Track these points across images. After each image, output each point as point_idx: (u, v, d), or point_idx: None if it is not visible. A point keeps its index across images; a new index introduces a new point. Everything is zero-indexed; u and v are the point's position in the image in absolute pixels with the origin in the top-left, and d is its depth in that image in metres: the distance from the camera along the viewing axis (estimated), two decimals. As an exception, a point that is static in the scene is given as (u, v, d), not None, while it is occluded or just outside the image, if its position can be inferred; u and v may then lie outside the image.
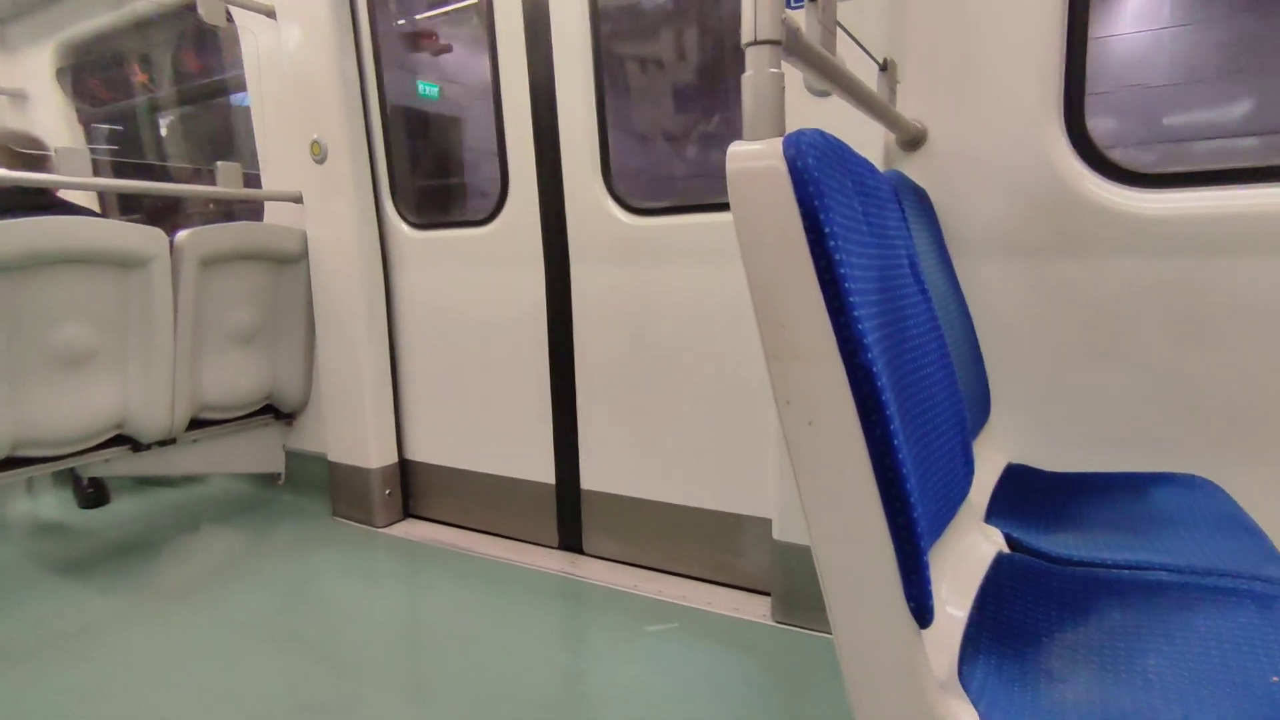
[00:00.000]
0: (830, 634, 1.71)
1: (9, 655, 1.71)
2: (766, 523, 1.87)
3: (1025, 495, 1.35)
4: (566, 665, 1.60)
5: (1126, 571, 1.04)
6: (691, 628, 1.75)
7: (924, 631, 0.67)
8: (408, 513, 2.62)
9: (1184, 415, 1.43)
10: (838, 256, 0.67)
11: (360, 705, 1.48)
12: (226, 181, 2.42)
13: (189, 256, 2.24)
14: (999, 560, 1.06)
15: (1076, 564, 1.07)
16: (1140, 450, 1.46)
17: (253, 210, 2.75)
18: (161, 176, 3.60)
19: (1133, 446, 1.47)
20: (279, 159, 2.59)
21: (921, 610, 0.66)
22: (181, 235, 2.21)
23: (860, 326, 0.66)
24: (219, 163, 2.40)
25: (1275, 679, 0.76)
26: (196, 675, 1.60)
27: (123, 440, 2.36)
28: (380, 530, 2.49)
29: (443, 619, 1.85)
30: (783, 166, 0.68)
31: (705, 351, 1.93)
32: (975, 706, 0.70)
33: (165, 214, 3.49)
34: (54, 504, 2.88)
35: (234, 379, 2.56)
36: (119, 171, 3.58)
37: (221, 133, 3.28)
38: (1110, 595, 0.99)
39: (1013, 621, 0.93)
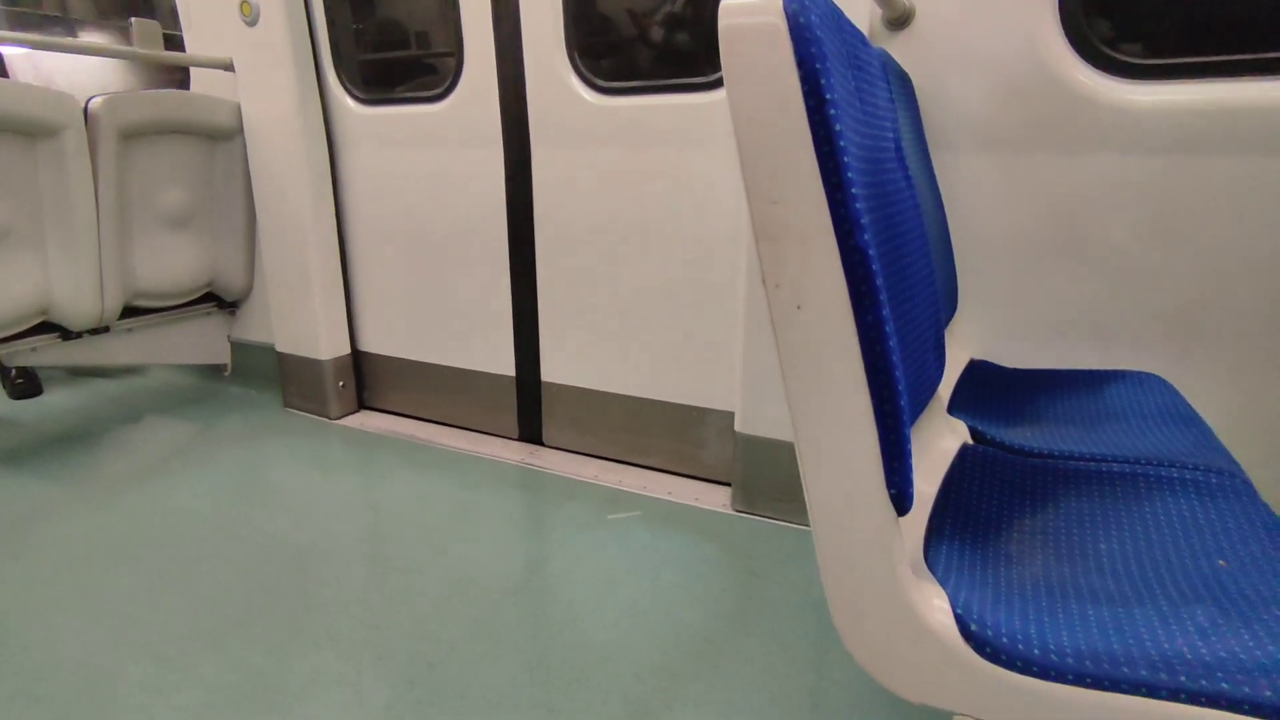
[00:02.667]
0: (788, 521, 1.76)
1: (-54, 545, 1.66)
2: (729, 415, 1.88)
3: (988, 390, 1.37)
4: (530, 552, 1.63)
5: (1081, 463, 1.07)
6: (653, 516, 1.79)
7: (902, 517, 0.67)
8: (362, 405, 2.57)
9: (1144, 314, 1.45)
10: (837, 127, 0.62)
11: (320, 591, 1.48)
12: (144, 42, 2.18)
13: (106, 126, 2.03)
14: (963, 451, 1.08)
15: (1035, 455, 1.10)
16: (1099, 347, 1.49)
17: (179, 81, 2.50)
18: (67, 28, 3.23)
19: (1092, 344, 1.50)
20: (204, 19, 2.34)
21: (901, 497, 0.65)
22: (96, 102, 2.00)
23: (857, 205, 0.62)
24: (133, 19, 2.15)
25: (1222, 563, 0.80)
26: (146, 563, 1.57)
27: (50, 328, 2.22)
28: (334, 422, 2.45)
29: (402, 507, 1.84)
30: (782, 23, 0.61)
31: (672, 242, 1.88)
32: (943, 586, 0.71)
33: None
34: (-19, 394, 2.74)
35: (169, 264, 2.41)
36: (18, 26, 3.20)
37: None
38: (1066, 485, 1.02)
39: (975, 509, 0.96)
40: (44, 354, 2.33)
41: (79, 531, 1.71)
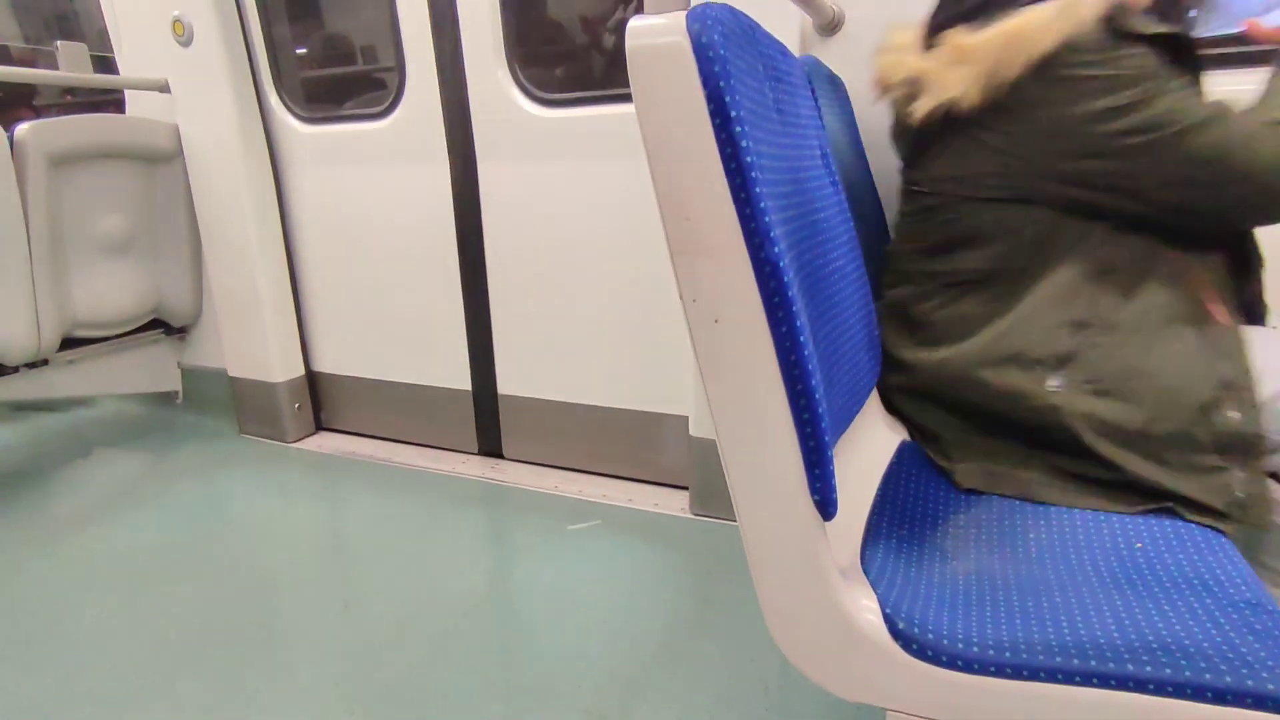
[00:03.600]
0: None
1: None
2: (684, 419, 1.89)
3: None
4: (491, 568, 1.62)
5: (1016, 455, 1.09)
6: (613, 524, 1.79)
7: (828, 522, 0.68)
8: (320, 426, 2.54)
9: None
10: (744, 144, 0.63)
11: (280, 623, 1.45)
12: (71, 66, 2.13)
13: (34, 153, 1.98)
14: (901, 448, 1.10)
15: (972, 450, 1.12)
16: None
17: (115, 104, 2.45)
18: None
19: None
20: (135, 41, 2.29)
21: (825, 504, 0.67)
22: (22, 129, 1.95)
23: (767, 219, 0.63)
24: (59, 43, 2.10)
25: (1139, 545, 0.83)
26: (90, 607, 1.53)
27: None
28: (292, 445, 2.41)
29: (362, 531, 1.82)
30: (686, 43, 0.62)
31: (619, 249, 1.89)
32: (874, 589, 0.73)
33: (7, 106, 3.07)
34: (-81, 434, 2.64)
35: (110, 292, 2.34)
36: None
37: (61, 8, 2.86)
38: (1001, 476, 1.05)
39: (912, 507, 0.98)
40: (-19, 391, 2.26)
41: (18, 575, 1.66)
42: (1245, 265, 1.00)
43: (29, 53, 3.05)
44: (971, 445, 1.03)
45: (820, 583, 0.68)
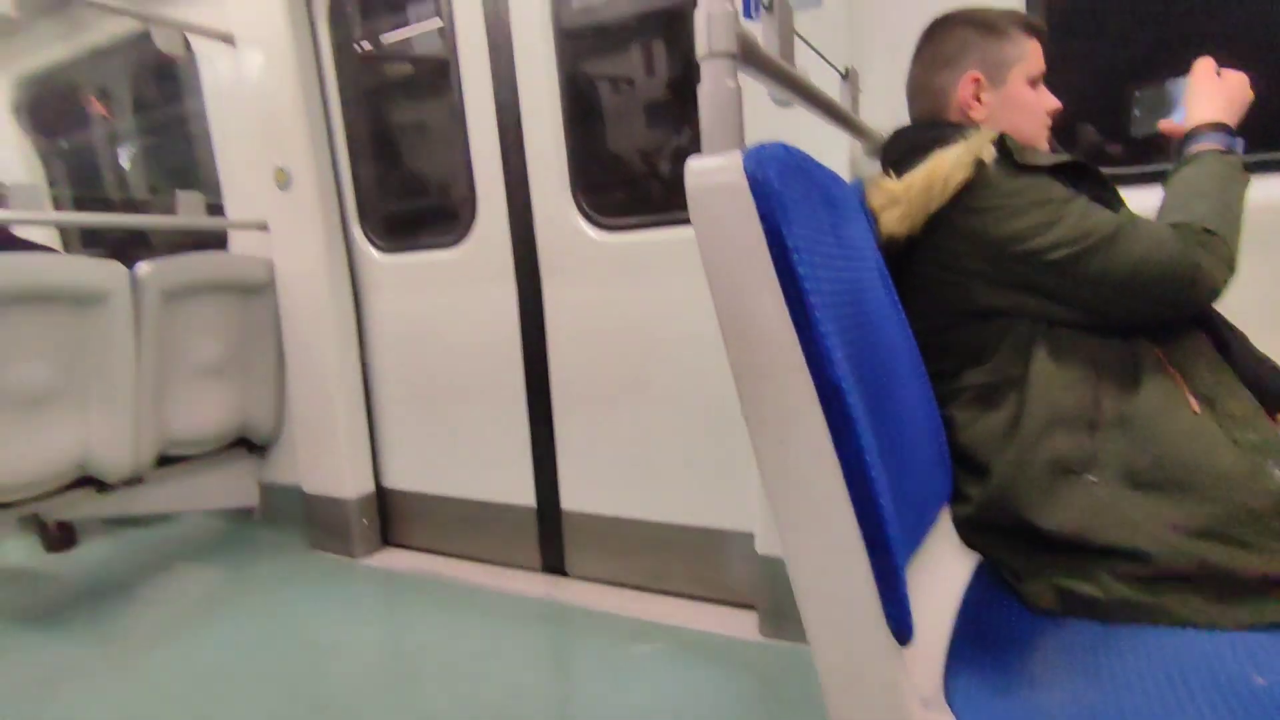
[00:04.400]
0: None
1: (-29, 711, 1.65)
2: (749, 537, 1.85)
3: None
4: (555, 692, 1.58)
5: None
6: (679, 646, 1.73)
7: (907, 647, 0.66)
8: (387, 541, 2.57)
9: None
10: (802, 271, 0.66)
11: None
12: (189, 211, 2.38)
13: (151, 290, 2.18)
14: (979, 569, 1.06)
15: (1057, 567, 1.07)
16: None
17: (218, 239, 2.70)
18: (123, 208, 3.53)
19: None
20: (242, 187, 2.55)
21: (901, 628, 0.65)
22: (143, 268, 2.16)
23: (827, 343, 0.65)
24: (179, 192, 2.36)
25: (1260, 680, 0.76)
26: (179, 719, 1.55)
27: (88, 481, 2.29)
28: (359, 561, 2.44)
29: (427, 650, 1.81)
30: (743, 181, 0.67)
31: (681, 365, 1.93)
32: (960, 717, 0.69)
33: (130, 246, 3.42)
34: (19, 549, 2.79)
35: (203, 413, 2.50)
36: (79, 205, 3.51)
37: (183, 162, 3.23)
38: (1091, 598, 0.99)
39: (994, 632, 0.93)
40: (81, 507, 2.39)
41: (105, 693, 1.70)
42: (1224, 343, 1.03)
43: (152, 203, 3.43)
44: (1039, 564, 0.99)
45: (899, 712, 0.65)
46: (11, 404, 1.99)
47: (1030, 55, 1.14)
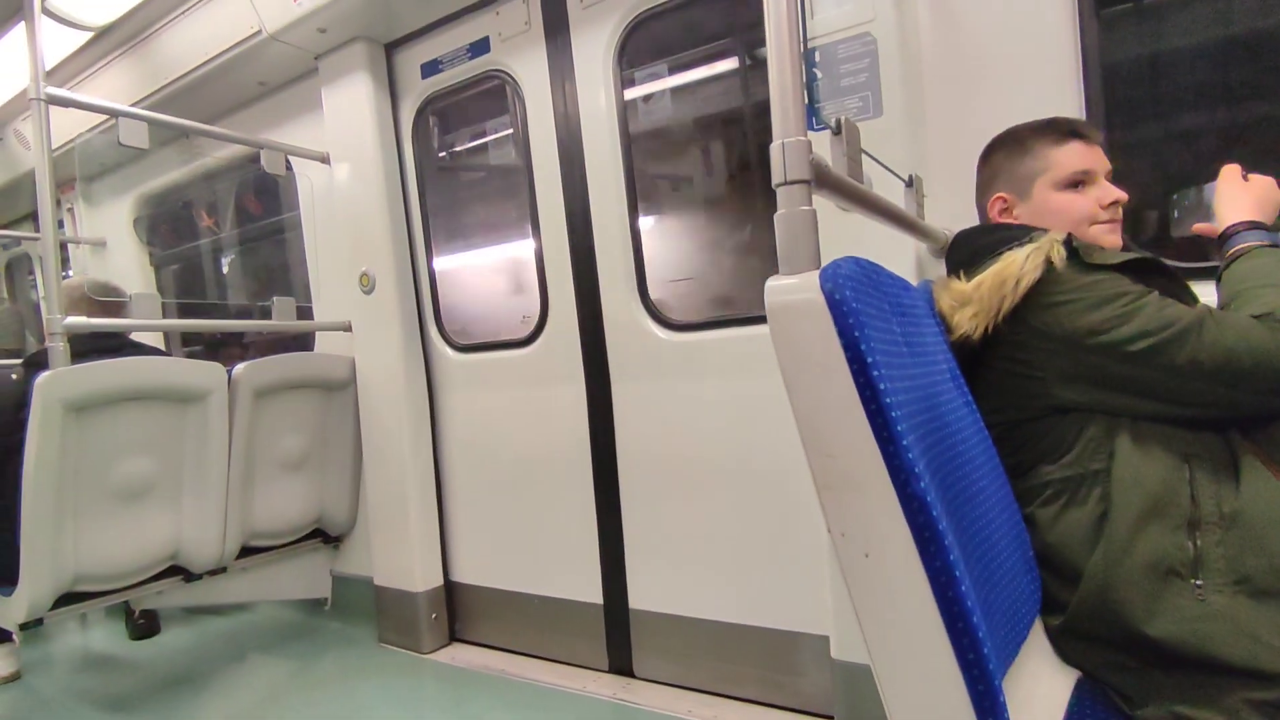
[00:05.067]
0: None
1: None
2: (824, 640, 1.79)
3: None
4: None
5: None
6: (752, 759, 1.65)
7: (1008, 776, 0.63)
8: (454, 636, 2.57)
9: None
10: (882, 386, 0.68)
11: None
12: (281, 315, 2.55)
13: (245, 388, 2.33)
14: (1080, 686, 1.00)
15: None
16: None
17: (304, 338, 2.88)
18: (223, 310, 3.81)
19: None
20: (330, 291, 2.73)
21: (1002, 752, 0.62)
22: (239, 369, 2.32)
23: (910, 455, 0.66)
24: (275, 298, 2.54)
25: None
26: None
27: (176, 570, 2.39)
28: (426, 656, 2.44)
29: (491, 754, 1.78)
30: (821, 300, 0.70)
31: (751, 464, 1.92)
32: None
33: (226, 345, 3.68)
34: (104, 636, 2.89)
35: (284, 505, 2.60)
36: (184, 310, 3.80)
37: (278, 269, 3.49)
38: None
39: (1102, 754, 0.87)
40: (168, 596, 2.48)
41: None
42: None
43: (248, 306, 3.70)
44: (1152, 686, 0.92)
45: None
46: (118, 496, 2.13)
47: (1059, 162, 1.17)
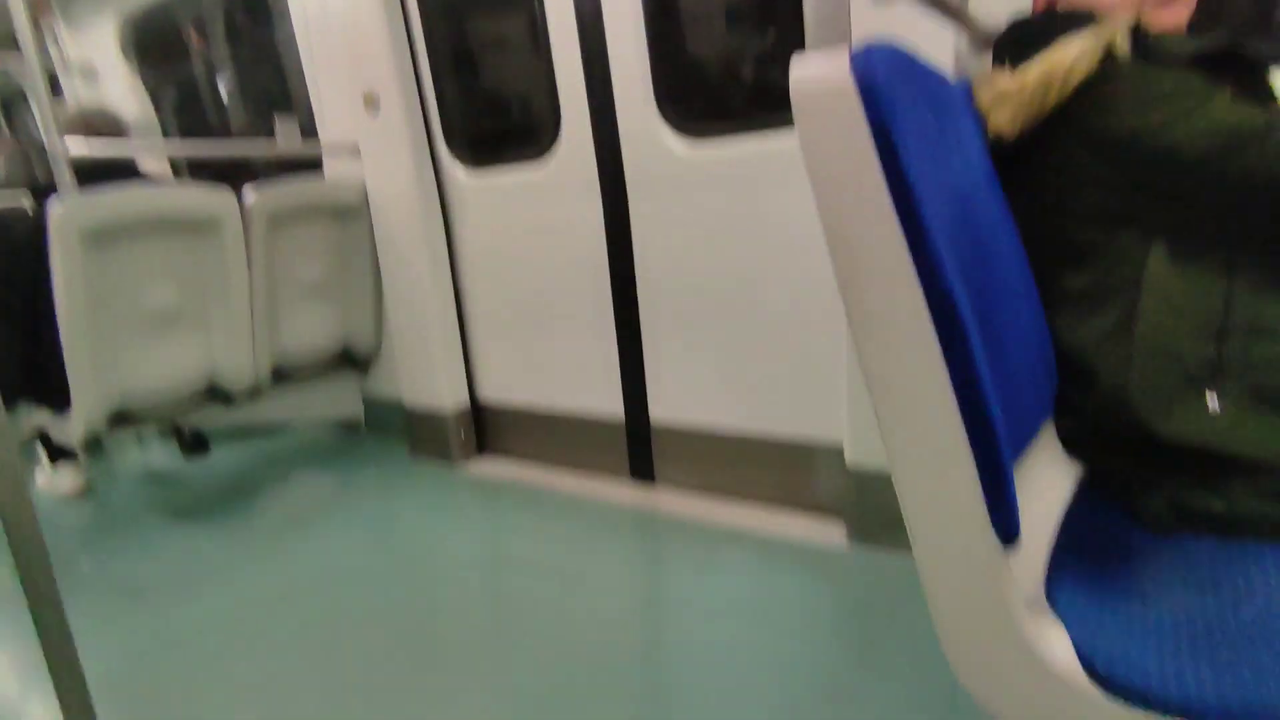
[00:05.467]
0: (905, 556, 1.72)
1: (133, 590, 1.89)
2: (838, 448, 1.87)
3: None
4: (645, 595, 1.67)
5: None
6: (767, 555, 1.79)
7: (1010, 552, 0.67)
8: (483, 451, 2.72)
9: None
10: (912, 178, 0.64)
11: (453, 634, 1.58)
12: (286, 136, 2.47)
13: (258, 216, 2.31)
14: (1082, 484, 1.04)
15: (1167, 481, 1.03)
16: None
17: (313, 162, 2.80)
18: (225, 136, 3.69)
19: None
20: (333, 113, 2.61)
21: (1006, 528, 0.65)
22: (251, 197, 2.28)
23: (938, 250, 0.63)
24: (278, 117, 2.44)
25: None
26: (302, 609, 1.73)
27: (215, 394, 2.51)
28: (458, 469, 2.60)
29: (521, 553, 1.94)
30: (851, 83, 0.65)
31: (770, 277, 1.91)
32: (1063, 623, 0.70)
33: (233, 170, 3.59)
34: (161, 455, 3.10)
35: (310, 330, 2.67)
36: (185, 134, 3.68)
37: (277, 90, 3.32)
38: (1204, 512, 0.96)
39: (1101, 542, 0.92)
40: (211, 417, 2.63)
41: (245, 581, 1.91)
42: None
43: (250, 129, 3.56)
44: (1154, 477, 0.95)
45: (1005, 615, 0.67)
46: (150, 324, 2.19)
47: None
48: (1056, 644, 0.67)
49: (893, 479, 0.69)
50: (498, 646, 1.50)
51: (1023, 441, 0.89)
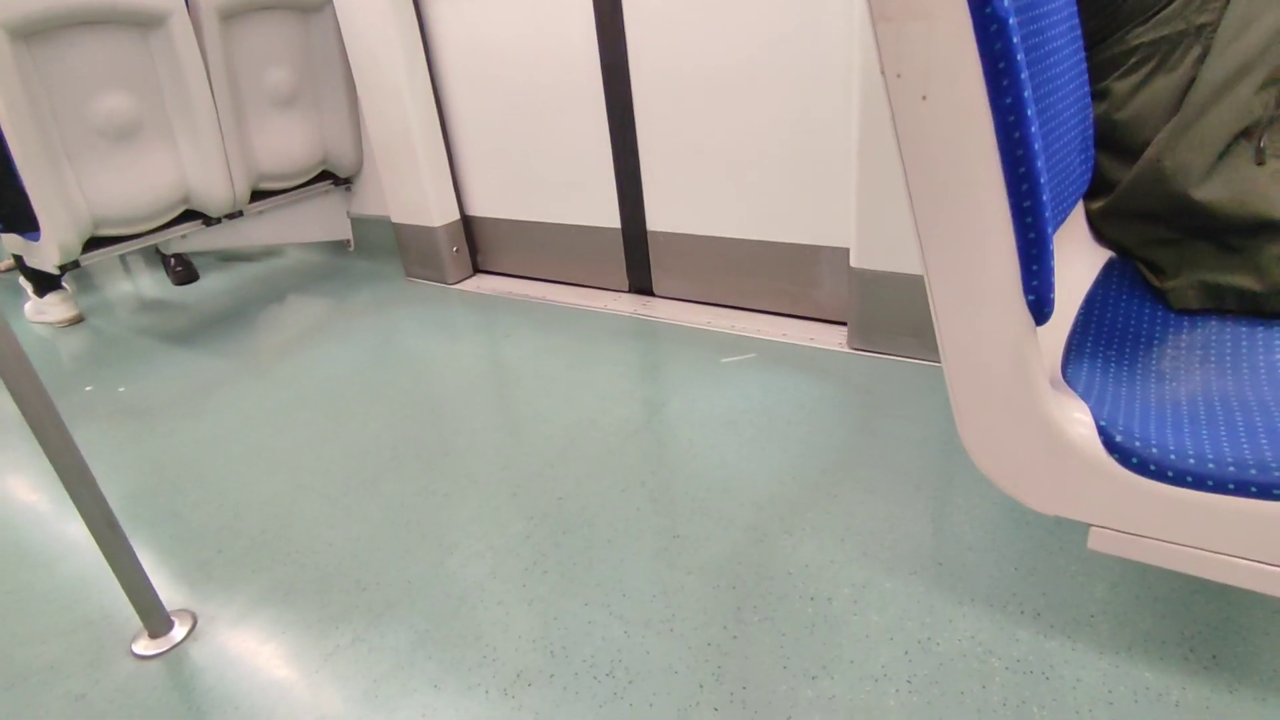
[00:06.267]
0: (906, 357, 1.71)
1: (140, 412, 1.90)
2: (842, 252, 1.80)
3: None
4: (647, 398, 1.68)
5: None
6: (768, 358, 1.78)
7: (1040, 326, 0.62)
8: (477, 268, 2.65)
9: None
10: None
11: (456, 439, 1.60)
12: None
13: (206, 9, 2.07)
14: (1109, 266, 0.98)
15: (1197, 264, 0.98)
16: None
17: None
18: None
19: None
20: None
21: (1041, 304, 0.60)
22: (194, -15, 2.03)
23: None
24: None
25: None
26: (304, 422, 1.75)
27: (195, 216, 2.40)
28: (453, 287, 2.55)
29: (523, 362, 1.93)
30: None
31: (773, 74, 1.73)
32: (1085, 400, 0.67)
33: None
34: (150, 283, 3.04)
35: (284, 145, 2.50)
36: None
37: None
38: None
39: (1121, 325, 0.88)
40: (193, 240, 2.53)
41: (247, 398, 1.92)
42: None
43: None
44: (1185, 258, 0.90)
45: (1027, 391, 0.63)
46: (106, 136, 2.04)
47: None
48: (1078, 420, 0.65)
49: (920, 249, 0.63)
50: (500, 447, 1.53)
51: (1060, 218, 0.82)
